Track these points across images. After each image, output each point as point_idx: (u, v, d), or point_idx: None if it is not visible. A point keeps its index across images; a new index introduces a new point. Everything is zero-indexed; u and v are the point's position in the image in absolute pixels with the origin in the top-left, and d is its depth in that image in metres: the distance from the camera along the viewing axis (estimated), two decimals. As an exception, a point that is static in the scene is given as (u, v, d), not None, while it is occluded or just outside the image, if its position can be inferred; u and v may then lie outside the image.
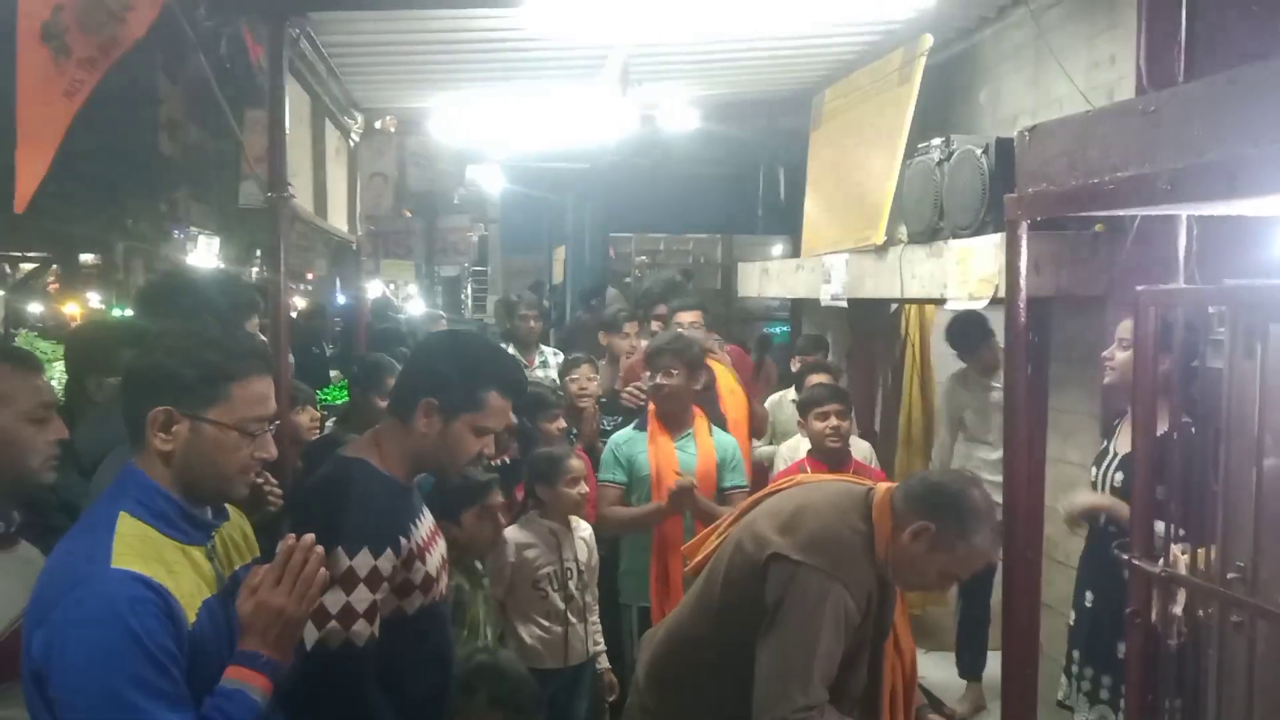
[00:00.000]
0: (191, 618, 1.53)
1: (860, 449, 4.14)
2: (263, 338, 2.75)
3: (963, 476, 2.22)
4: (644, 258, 12.36)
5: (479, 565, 3.04)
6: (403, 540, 1.91)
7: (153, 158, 13.23)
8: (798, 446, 4.02)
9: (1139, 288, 2.35)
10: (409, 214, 10.94)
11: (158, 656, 1.45)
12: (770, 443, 4.70)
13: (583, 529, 3.39)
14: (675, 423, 3.60)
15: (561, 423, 3.90)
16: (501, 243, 13.54)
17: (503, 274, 13.34)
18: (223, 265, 13.91)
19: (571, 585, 3.28)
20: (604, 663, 3.43)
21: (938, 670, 4.57)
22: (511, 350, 5.37)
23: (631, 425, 3.72)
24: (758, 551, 2.13)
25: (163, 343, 1.64)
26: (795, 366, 4.93)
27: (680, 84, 5.08)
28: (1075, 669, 3.01)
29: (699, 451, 3.58)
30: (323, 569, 1.62)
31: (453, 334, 2.35)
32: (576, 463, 3.31)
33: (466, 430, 1.97)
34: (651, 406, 3.65)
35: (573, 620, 3.28)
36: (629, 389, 3.98)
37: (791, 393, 4.87)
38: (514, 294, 6.88)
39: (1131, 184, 2.02)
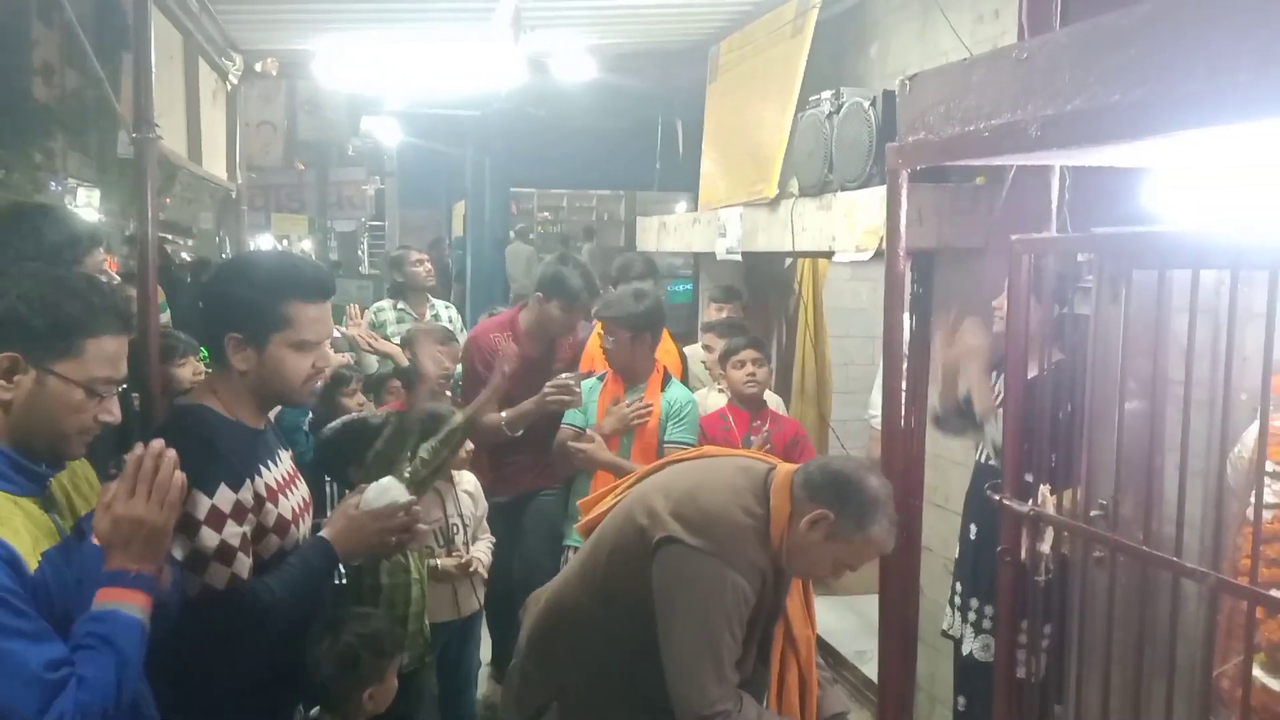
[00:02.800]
0: (32, 566, 1.45)
1: (772, 401, 4.19)
2: (112, 275, 2.58)
3: (862, 464, 2.19)
4: (546, 214, 12.26)
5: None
6: (248, 481, 1.85)
7: (25, 104, 12.49)
8: (707, 398, 4.07)
9: (1013, 236, 2.41)
10: (302, 166, 10.57)
11: (7, 599, 1.38)
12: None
13: (466, 481, 3.35)
14: (629, 376, 3.67)
15: (449, 364, 3.84)
16: (399, 196, 13.21)
17: (400, 229, 13.02)
18: (103, 218, 13.27)
19: (457, 540, 3.25)
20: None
21: (832, 615, 4.69)
22: (401, 306, 5.28)
23: (597, 375, 3.80)
24: (650, 528, 2.09)
25: (16, 285, 1.53)
26: (710, 315, 4.91)
27: (574, 31, 4.99)
28: (959, 600, 3.10)
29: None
30: (178, 473, 1.54)
31: (235, 260, 2.16)
32: (460, 418, 3.25)
33: (284, 352, 1.87)
34: None
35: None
36: (549, 390, 3.76)
37: (699, 348, 4.91)
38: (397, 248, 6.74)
39: (1004, 131, 2.04)
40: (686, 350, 4.98)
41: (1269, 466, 1.90)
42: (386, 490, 2.06)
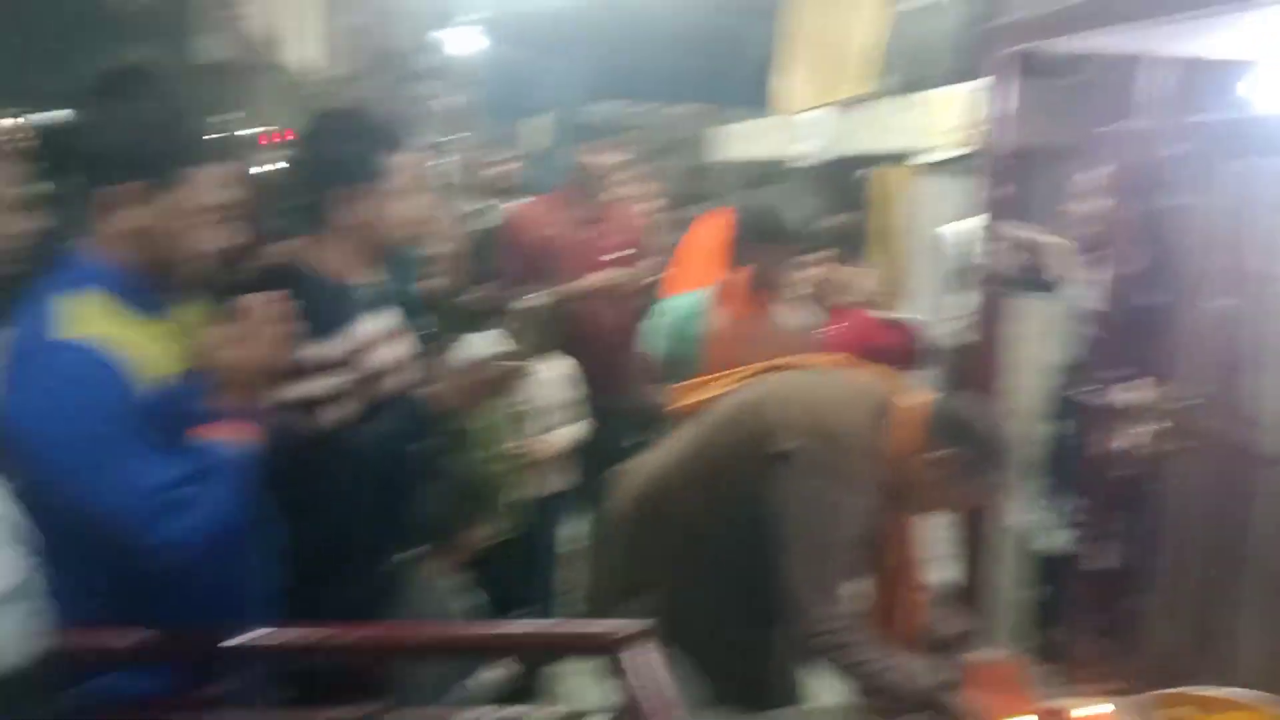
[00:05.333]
0: (145, 386, 1.48)
1: None
2: None
3: (990, 408, 2.18)
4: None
5: None
6: (343, 332, 1.88)
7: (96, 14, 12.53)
8: None
9: (1103, 129, 2.35)
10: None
11: (126, 416, 1.43)
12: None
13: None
14: None
15: None
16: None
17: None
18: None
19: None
20: None
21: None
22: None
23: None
24: (777, 435, 2.04)
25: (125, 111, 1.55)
26: None
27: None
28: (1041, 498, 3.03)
29: None
30: (285, 318, 1.58)
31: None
32: None
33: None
34: None
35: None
36: None
37: None
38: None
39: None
40: None
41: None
42: (474, 347, 2.11)
